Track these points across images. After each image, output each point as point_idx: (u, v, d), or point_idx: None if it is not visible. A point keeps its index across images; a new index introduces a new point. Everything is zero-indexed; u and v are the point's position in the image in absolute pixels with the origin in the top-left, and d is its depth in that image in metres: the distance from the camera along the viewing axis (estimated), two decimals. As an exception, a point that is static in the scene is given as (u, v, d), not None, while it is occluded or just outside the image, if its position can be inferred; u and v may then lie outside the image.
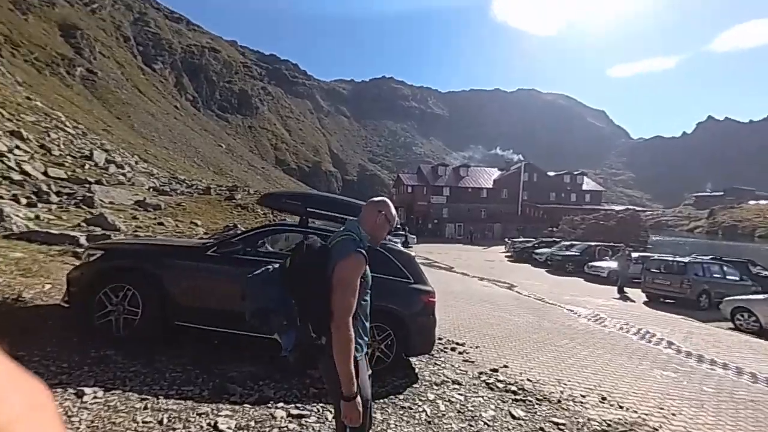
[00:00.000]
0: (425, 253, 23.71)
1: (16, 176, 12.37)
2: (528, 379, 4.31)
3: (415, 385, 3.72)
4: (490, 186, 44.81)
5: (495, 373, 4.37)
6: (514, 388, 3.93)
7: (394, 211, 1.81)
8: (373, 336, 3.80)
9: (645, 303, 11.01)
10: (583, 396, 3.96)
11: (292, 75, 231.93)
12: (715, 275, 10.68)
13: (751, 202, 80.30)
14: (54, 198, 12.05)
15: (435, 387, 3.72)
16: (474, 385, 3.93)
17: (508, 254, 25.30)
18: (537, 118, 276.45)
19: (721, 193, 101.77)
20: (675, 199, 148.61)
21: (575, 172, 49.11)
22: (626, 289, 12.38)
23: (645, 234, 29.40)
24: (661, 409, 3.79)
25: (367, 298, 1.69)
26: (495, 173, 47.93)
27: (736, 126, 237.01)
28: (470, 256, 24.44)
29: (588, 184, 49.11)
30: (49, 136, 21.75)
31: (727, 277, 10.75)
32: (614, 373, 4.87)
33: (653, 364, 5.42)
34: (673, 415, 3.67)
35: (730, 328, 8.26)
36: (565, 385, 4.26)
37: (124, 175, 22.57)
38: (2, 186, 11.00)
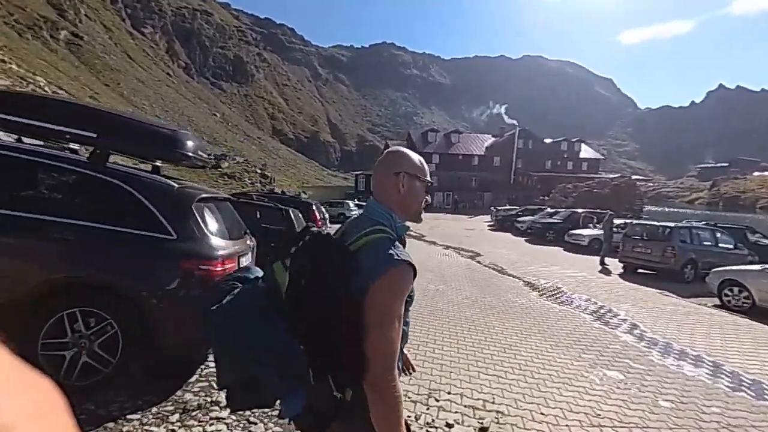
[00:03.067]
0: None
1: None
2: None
3: (166, 415, 2.19)
4: (482, 153, 42.44)
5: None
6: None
7: (417, 160, 1.08)
8: (77, 329, 2.23)
9: (620, 275, 9.49)
10: (450, 426, 2.43)
11: (288, 40, 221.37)
12: (704, 242, 9.06)
13: (756, 174, 77.73)
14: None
15: (193, 425, 2.18)
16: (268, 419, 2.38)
17: (491, 223, 23.75)
18: (542, 86, 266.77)
19: (726, 165, 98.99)
20: (679, 171, 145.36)
21: (573, 139, 46.51)
22: (607, 260, 10.90)
23: (640, 202, 27.65)
24: (572, 450, 2.27)
25: (408, 321, 1.02)
26: (488, 140, 45.38)
27: (748, 95, 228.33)
28: (451, 225, 22.89)
29: (586, 151, 46.60)
30: None
31: (720, 245, 9.12)
32: (532, 376, 3.35)
33: (599, 358, 3.90)
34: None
35: (716, 306, 6.75)
36: (438, 401, 2.73)
37: None
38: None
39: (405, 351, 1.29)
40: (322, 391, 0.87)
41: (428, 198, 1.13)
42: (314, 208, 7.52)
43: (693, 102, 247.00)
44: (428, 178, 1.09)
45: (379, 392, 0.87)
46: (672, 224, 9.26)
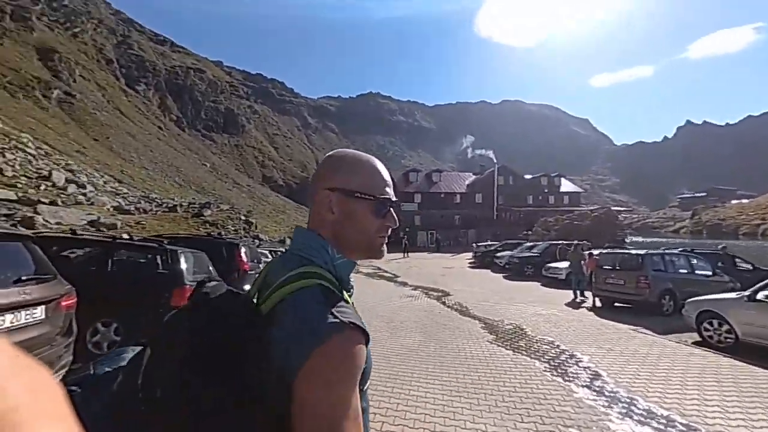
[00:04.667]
0: (383, 263, 21.23)
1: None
2: None
3: None
4: (464, 191, 42.69)
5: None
6: None
7: (359, 167, 0.72)
8: None
9: (592, 309, 8.59)
10: None
11: (279, 93, 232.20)
12: (681, 270, 8.34)
13: (734, 202, 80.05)
14: (-14, 219, 10.80)
15: None
16: None
17: (472, 261, 22.92)
18: (523, 128, 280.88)
19: (704, 194, 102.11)
20: (661, 202, 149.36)
21: (552, 174, 47.41)
22: (587, 294, 10.05)
23: (622, 233, 27.33)
24: None
25: (365, 407, 0.65)
26: (469, 177, 45.95)
27: (714, 129, 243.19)
28: (429, 264, 21.97)
29: (566, 185, 47.31)
30: (4, 156, 20.30)
31: (697, 272, 8.40)
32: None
33: (539, 427, 2.96)
34: None
35: (697, 342, 5.86)
36: None
37: (84, 195, 21.66)
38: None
39: None
40: None
41: (392, 223, 0.72)
42: (242, 250, 6.66)
43: (665, 137, 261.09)
44: (383, 194, 0.70)
45: None
46: (643, 251, 8.59)
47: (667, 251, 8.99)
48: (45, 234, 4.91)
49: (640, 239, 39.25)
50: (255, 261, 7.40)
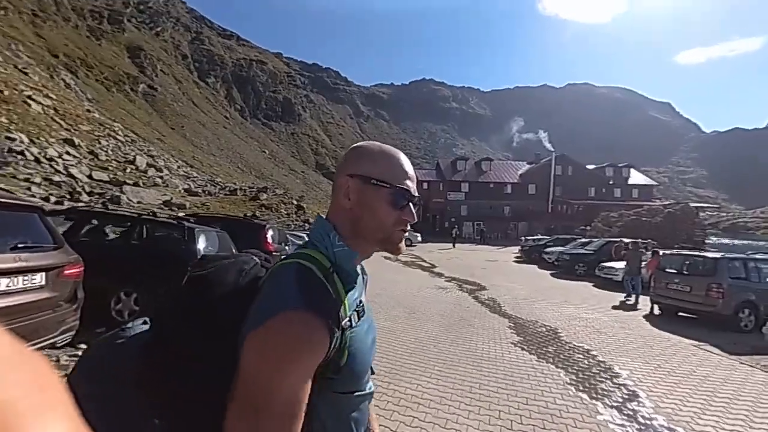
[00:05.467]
0: (424, 252, 20.92)
1: (57, 178, 13.42)
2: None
3: None
4: (516, 181, 40.18)
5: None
6: None
7: (379, 158, 0.71)
8: None
9: (652, 319, 7.48)
10: None
11: (333, 82, 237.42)
12: (768, 279, 6.89)
13: None
14: (85, 197, 12.80)
15: None
16: None
17: (519, 255, 21.60)
18: (590, 114, 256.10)
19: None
20: (760, 199, 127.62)
21: (620, 165, 42.68)
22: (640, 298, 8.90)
23: (701, 233, 23.79)
24: None
25: (361, 400, 0.67)
26: (522, 167, 43.10)
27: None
28: (472, 255, 21.13)
29: (636, 177, 42.31)
30: (99, 143, 23.74)
31: (792, 283, 6.89)
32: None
33: (540, 449, 2.55)
34: None
35: (780, 369, 4.78)
36: None
37: (161, 177, 24.55)
38: (41, 186, 11.72)
39: None
40: None
41: (410, 217, 0.70)
42: (268, 231, 6.80)
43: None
44: (403, 184, 0.69)
45: None
46: (719, 254, 7.24)
47: (752, 257, 7.49)
48: (81, 208, 5.40)
49: (726, 241, 33.94)
50: (282, 243, 7.56)
